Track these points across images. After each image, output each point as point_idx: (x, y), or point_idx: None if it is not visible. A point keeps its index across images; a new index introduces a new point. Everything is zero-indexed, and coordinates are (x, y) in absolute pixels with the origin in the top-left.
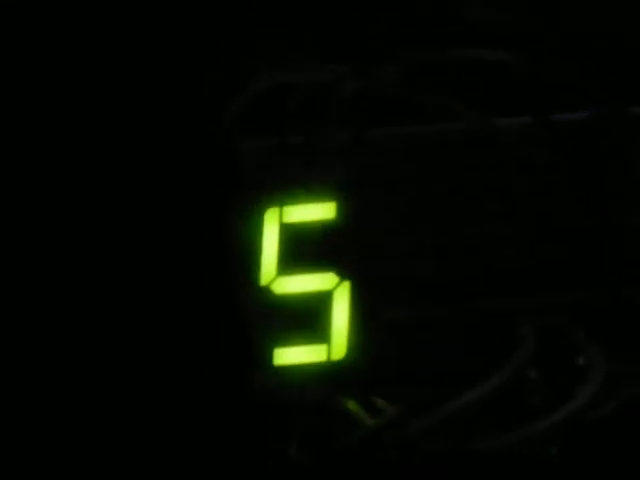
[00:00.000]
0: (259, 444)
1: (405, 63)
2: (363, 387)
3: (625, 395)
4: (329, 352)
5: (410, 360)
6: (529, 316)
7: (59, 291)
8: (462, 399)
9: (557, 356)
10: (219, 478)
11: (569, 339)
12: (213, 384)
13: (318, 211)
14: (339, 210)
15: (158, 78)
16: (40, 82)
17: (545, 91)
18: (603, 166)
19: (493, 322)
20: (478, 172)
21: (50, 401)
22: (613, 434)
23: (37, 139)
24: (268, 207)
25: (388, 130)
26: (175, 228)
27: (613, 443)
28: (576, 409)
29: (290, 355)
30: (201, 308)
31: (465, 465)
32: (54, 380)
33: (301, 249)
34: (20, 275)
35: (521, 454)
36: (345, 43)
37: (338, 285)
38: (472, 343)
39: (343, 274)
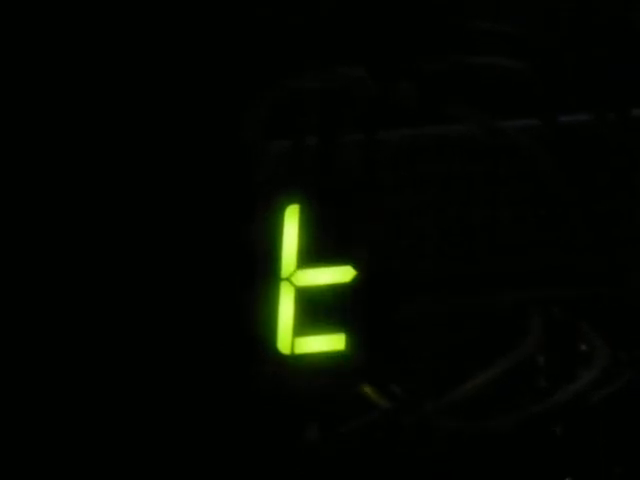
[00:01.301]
0: (274, 427)
1: (418, 70)
2: (378, 375)
3: (626, 379)
4: (347, 341)
5: (422, 350)
6: (536, 307)
7: (78, 289)
8: (475, 381)
9: (562, 343)
10: (232, 464)
11: (574, 328)
12: (226, 374)
13: (334, 211)
14: (352, 210)
15: (181, 82)
16: (63, 89)
17: (551, 94)
18: (606, 167)
19: (502, 313)
20: (486, 172)
21: (54, 395)
22: (614, 415)
23: (56, 148)
24: (288, 205)
25: (399, 132)
26: (197, 225)
27: (614, 424)
28: (579, 391)
29: (309, 344)
30: (217, 300)
31: (476, 444)
32: (61, 371)
33: (319, 245)
34: (31, 279)
35: (528, 434)
36: (360, 50)
37: (355, 277)
38: (483, 331)
39: (357, 268)
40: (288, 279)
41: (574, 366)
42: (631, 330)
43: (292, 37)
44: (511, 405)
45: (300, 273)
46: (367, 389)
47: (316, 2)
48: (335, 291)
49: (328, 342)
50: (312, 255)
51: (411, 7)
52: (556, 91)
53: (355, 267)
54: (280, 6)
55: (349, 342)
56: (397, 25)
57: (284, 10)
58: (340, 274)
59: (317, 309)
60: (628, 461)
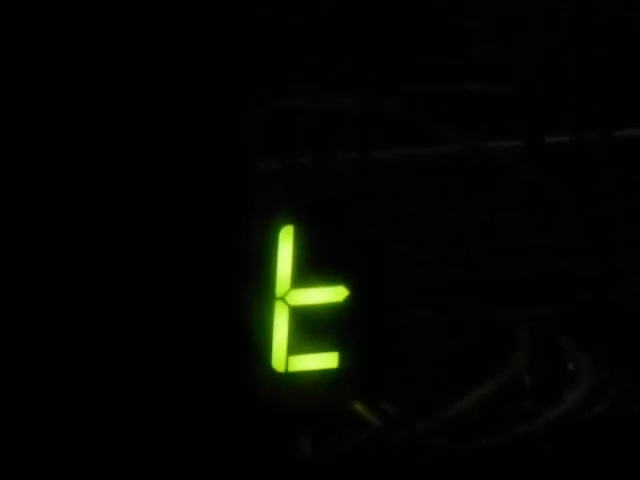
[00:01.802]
0: (268, 443)
1: (407, 92)
2: (371, 391)
3: (611, 397)
4: (340, 359)
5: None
6: (523, 325)
7: (72, 295)
8: (466, 400)
9: (549, 362)
10: (228, 475)
11: (560, 347)
12: (220, 391)
13: (328, 231)
14: (345, 225)
15: (177, 94)
16: (65, 89)
17: (536, 116)
18: (590, 185)
19: (490, 330)
20: (474, 190)
21: (53, 397)
22: (601, 433)
23: (55, 156)
24: (282, 225)
25: (391, 152)
26: (191, 240)
27: (601, 441)
28: (566, 411)
29: (303, 362)
30: (213, 316)
31: (465, 462)
32: (64, 373)
33: (313, 265)
34: (31, 280)
35: (516, 451)
36: (352, 72)
37: (348, 297)
38: (470, 349)
39: (351, 286)
40: (282, 298)
41: (560, 386)
42: (616, 349)
43: (285, 50)
44: (498, 425)
45: (294, 292)
46: (359, 406)
47: (314, 4)
48: (328, 310)
49: (321, 360)
50: (306, 275)
51: (402, 21)
52: (541, 113)
53: (348, 286)
54: (279, 7)
55: (342, 360)
56: (385, 41)
57: (283, 11)
58: (333, 294)
59: (311, 328)
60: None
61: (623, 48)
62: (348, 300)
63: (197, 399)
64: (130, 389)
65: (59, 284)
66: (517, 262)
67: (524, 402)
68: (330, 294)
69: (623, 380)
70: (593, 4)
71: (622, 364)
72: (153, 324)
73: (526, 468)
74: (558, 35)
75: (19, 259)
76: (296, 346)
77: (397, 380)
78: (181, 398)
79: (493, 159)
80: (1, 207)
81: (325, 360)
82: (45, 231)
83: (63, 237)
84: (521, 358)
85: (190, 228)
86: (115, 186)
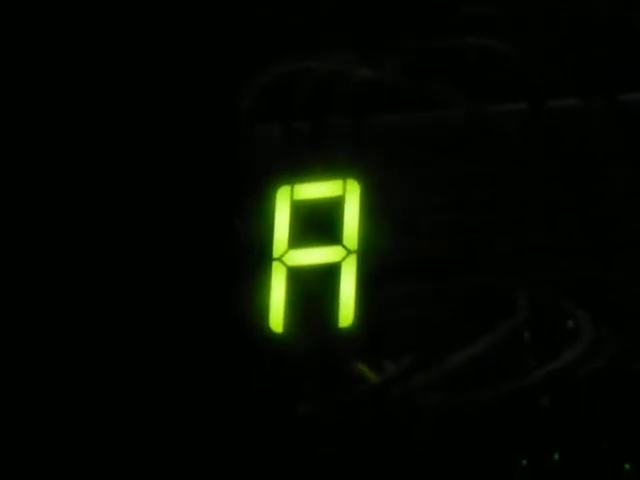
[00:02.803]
0: (267, 402)
1: (406, 52)
2: (370, 350)
3: (610, 354)
4: (338, 320)
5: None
6: (523, 286)
7: (71, 295)
8: (461, 355)
9: (549, 320)
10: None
11: (560, 305)
12: (219, 354)
13: (326, 189)
14: (345, 189)
15: (173, 69)
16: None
17: (539, 79)
18: (592, 152)
19: (492, 293)
20: (475, 156)
21: (52, 396)
22: (599, 389)
23: (38, 138)
24: (280, 186)
25: (389, 116)
26: (188, 209)
27: (598, 396)
28: (563, 365)
29: (300, 322)
30: (211, 279)
31: (462, 416)
32: (62, 371)
33: (311, 224)
34: (28, 281)
35: (513, 406)
36: (349, 33)
37: (345, 258)
38: (472, 310)
39: (349, 248)
40: (280, 259)
41: (560, 343)
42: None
43: (280, 19)
44: (497, 381)
45: (292, 253)
46: (358, 365)
47: None
48: (326, 270)
49: (319, 320)
50: (304, 235)
51: None
52: (543, 74)
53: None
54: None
55: (340, 320)
56: (383, 5)
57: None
58: (331, 254)
59: (308, 288)
60: (615, 436)
61: (623, 48)
62: (346, 260)
63: (195, 365)
64: (126, 355)
65: (45, 272)
66: (517, 235)
67: (525, 359)
68: (328, 254)
69: (623, 337)
70: (593, 4)
71: (622, 322)
72: (149, 293)
73: (524, 423)
74: (558, 35)
75: (11, 256)
76: (294, 306)
77: (396, 341)
78: (179, 365)
79: (495, 126)
80: None
81: (323, 320)
82: (38, 220)
83: (54, 217)
84: (519, 316)
85: (186, 194)
86: (111, 161)
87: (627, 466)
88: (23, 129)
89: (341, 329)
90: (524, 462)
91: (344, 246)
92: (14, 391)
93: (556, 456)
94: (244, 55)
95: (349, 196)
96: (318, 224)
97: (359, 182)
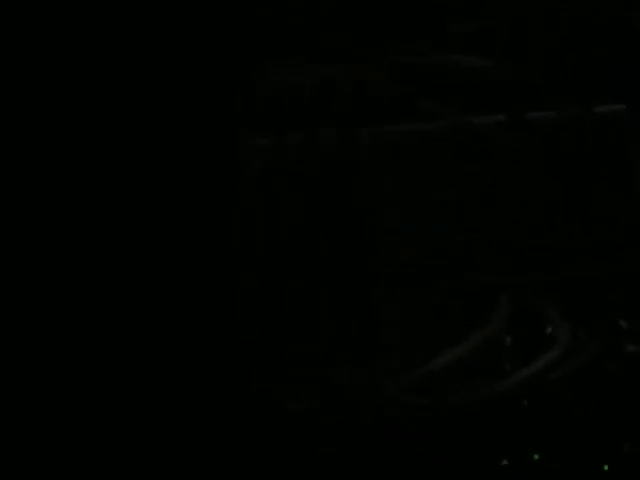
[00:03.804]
0: (259, 398)
1: (395, 66)
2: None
3: (588, 357)
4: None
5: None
6: (505, 290)
7: (66, 290)
8: (443, 358)
9: (528, 325)
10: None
11: (539, 311)
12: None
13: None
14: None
15: (168, 75)
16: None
17: (519, 92)
18: (573, 158)
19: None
20: (460, 164)
21: (50, 402)
22: (578, 390)
23: (37, 136)
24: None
25: (379, 128)
26: (180, 218)
27: (578, 397)
28: (541, 369)
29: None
30: (206, 283)
31: (444, 418)
32: (58, 379)
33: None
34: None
35: (493, 409)
36: (349, 33)
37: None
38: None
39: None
40: None
41: (539, 348)
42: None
43: (280, 19)
44: (477, 383)
45: None
46: (336, 369)
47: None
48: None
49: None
50: None
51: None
52: (524, 88)
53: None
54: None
55: (323, 326)
56: (374, 17)
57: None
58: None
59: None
60: (594, 437)
61: (623, 48)
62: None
63: (195, 360)
64: (125, 352)
65: (43, 271)
66: (502, 235)
67: (503, 363)
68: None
69: (600, 339)
70: (593, 4)
71: (600, 324)
72: (144, 296)
73: (503, 424)
74: (558, 35)
75: (11, 256)
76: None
77: (380, 344)
78: (177, 371)
79: (480, 134)
80: None
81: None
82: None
83: (53, 212)
84: (498, 319)
85: (179, 203)
86: (107, 162)
87: (605, 467)
88: (23, 129)
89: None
90: (504, 462)
91: None
92: (14, 391)
93: (536, 456)
94: (244, 55)
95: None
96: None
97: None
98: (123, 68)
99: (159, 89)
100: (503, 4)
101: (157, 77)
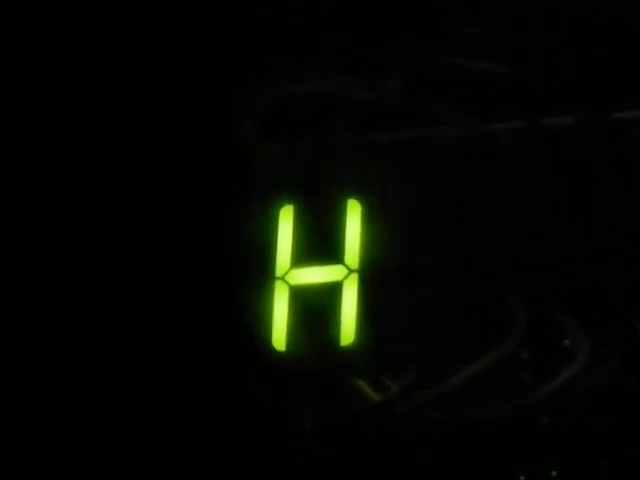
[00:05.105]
0: (268, 419)
1: (404, 72)
2: (370, 368)
3: (606, 373)
4: (339, 338)
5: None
6: (521, 301)
7: (71, 290)
8: (463, 374)
9: (546, 338)
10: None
11: (557, 323)
12: (222, 371)
13: (327, 209)
14: (346, 208)
15: (179, 85)
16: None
17: (533, 97)
18: (588, 165)
19: (489, 307)
20: (473, 172)
21: (51, 402)
22: (597, 406)
23: (49, 139)
24: (282, 205)
25: (389, 135)
26: (192, 225)
27: (597, 414)
28: (562, 385)
29: (303, 341)
30: (213, 297)
31: (463, 434)
32: (59, 380)
33: (312, 243)
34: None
35: (514, 423)
36: (349, 33)
37: (347, 276)
38: (469, 325)
39: (351, 267)
40: (282, 278)
41: (558, 361)
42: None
43: (286, 41)
44: (496, 399)
45: (294, 272)
46: (360, 382)
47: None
48: (328, 289)
49: (321, 339)
50: (306, 254)
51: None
52: (539, 94)
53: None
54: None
55: (342, 338)
56: (383, 25)
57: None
58: (333, 273)
59: (311, 307)
60: (613, 454)
61: (623, 48)
62: (348, 279)
63: (198, 381)
64: (127, 372)
65: (49, 273)
66: (514, 243)
67: (522, 377)
68: (329, 273)
69: (619, 354)
70: (593, 4)
71: (618, 338)
72: (152, 308)
73: (522, 440)
74: (558, 35)
75: (11, 256)
76: (296, 324)
77: (397, 356)
78: (181, 380)
79: (494, 141)
80: None
81: (325, 338)
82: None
83: (55, 216)
84: (518, 333)
85: (189, 211)
86: (111, 172)
87: None
88: (23, 129)
89: (343, 347)
90: (522, 478)
91: (346, 265)
92: (14, 391)
93: (554, 473)
94: (244, 55)
95: (351, 215)
96: (320, 243)
97: (360, 201)
98: (123, 70)
99: (159, 89)
100: (503, 4)
101: (157, 77)
